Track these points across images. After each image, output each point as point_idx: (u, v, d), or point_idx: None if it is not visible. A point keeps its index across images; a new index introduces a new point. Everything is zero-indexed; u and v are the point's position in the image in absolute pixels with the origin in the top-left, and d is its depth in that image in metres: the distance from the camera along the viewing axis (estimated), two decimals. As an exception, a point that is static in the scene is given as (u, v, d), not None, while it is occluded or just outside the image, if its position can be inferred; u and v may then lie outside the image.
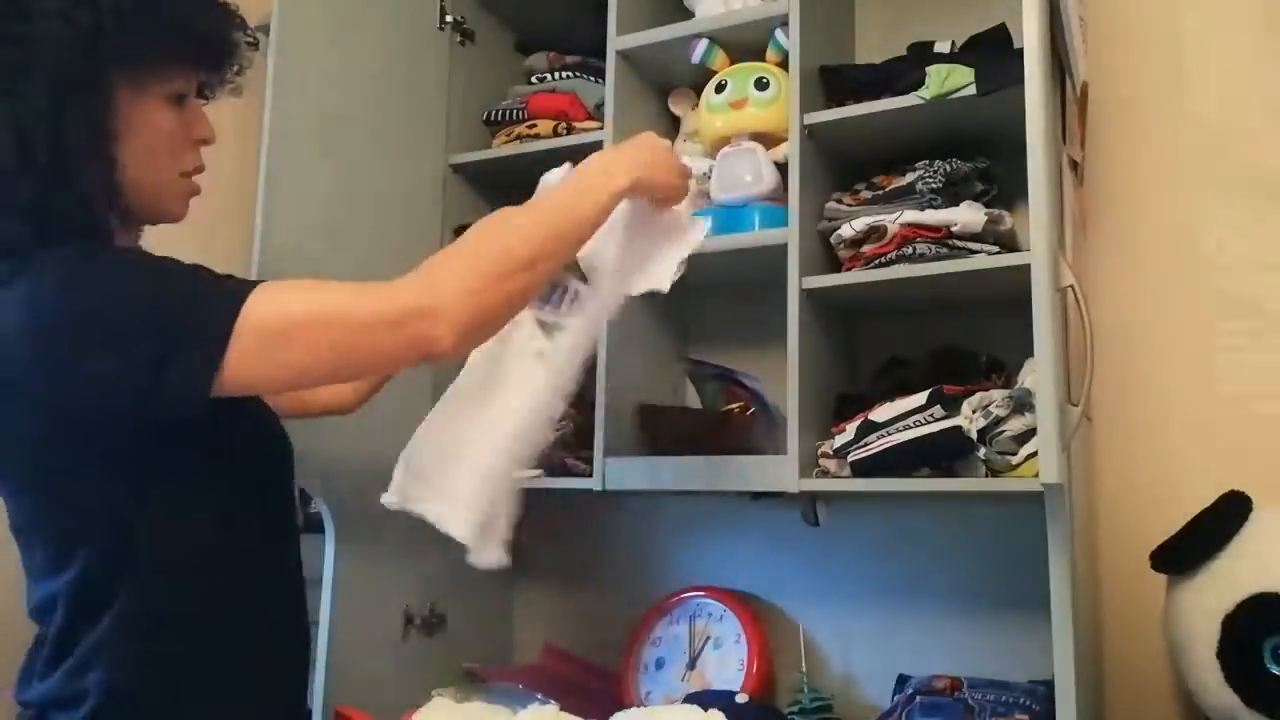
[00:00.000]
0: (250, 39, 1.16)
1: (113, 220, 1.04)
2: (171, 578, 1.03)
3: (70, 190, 0.97)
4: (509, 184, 1.94)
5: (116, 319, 0.93)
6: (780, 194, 1.60)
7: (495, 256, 1.01)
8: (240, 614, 1.09)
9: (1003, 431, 1.38)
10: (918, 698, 1.46)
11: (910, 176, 1.52)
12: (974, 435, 1.36)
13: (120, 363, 0.92)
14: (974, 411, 1.38)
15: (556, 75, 1.87)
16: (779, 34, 1.62)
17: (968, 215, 1.46)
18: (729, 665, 1.69)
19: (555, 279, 1.18)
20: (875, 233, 1.50)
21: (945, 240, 1.46)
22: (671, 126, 1.84)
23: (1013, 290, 1.29)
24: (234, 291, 0.95)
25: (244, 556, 1.10)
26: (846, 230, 1.52)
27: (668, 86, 1.82)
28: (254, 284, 0.97)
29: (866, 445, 1.43)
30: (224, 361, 0.93)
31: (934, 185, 1.50)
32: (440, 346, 0.97)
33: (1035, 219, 1.23)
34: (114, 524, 1.00)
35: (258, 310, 0.94)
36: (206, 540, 1.06)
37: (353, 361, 1.00)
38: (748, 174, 1.62)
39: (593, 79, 1.83)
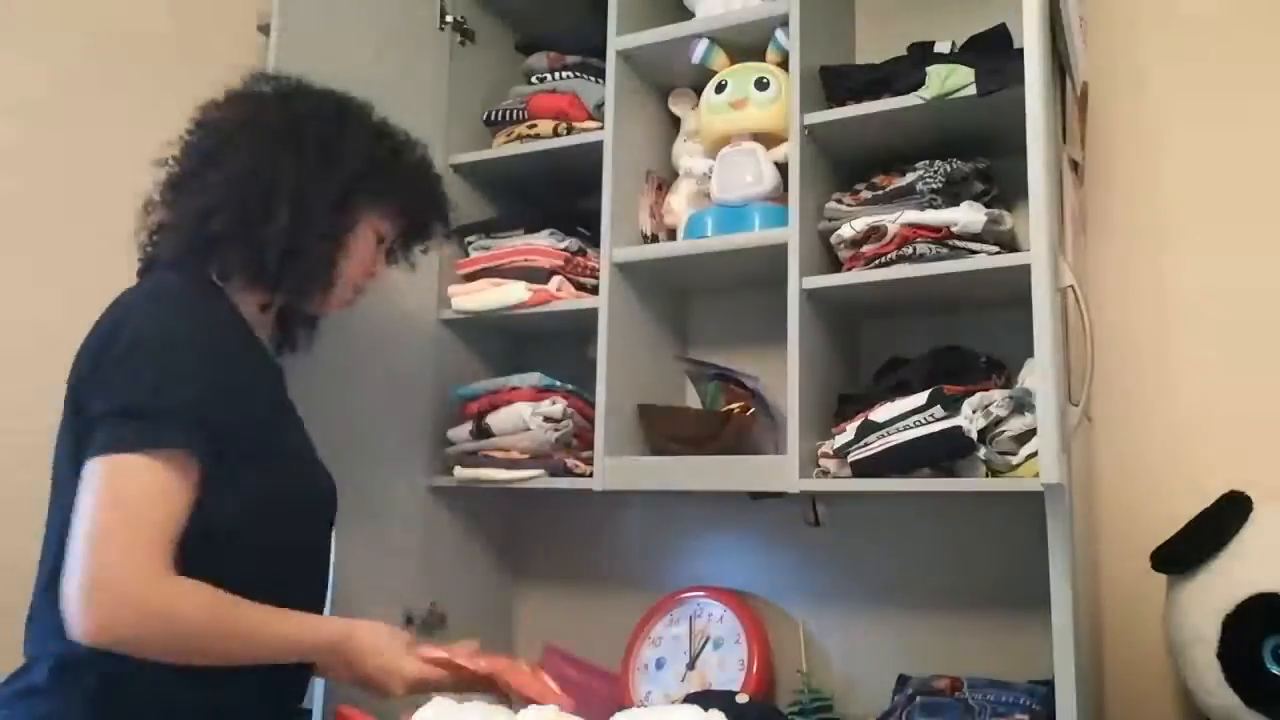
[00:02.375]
0: (445, 234, 1.54)
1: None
2: (196, 564, 1.08)
3: (296, 260, 1.22)
4: (509, 184, 1.95)
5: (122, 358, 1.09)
6: (780, 194, 1.60)
7: (199, 627, 1.07)
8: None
9: (1003, 431, 1.38)
10: (918, 698, 1.46)
11: (910, 176, 1.52)
12: (974, 435, 1.36)
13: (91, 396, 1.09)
14: (974, 411, 1.38)
15: (557, 75, 1.87)
16: (779, 34, 1.62)
17: (968, 215, 1.46)
18: (729, 665, 1.69)
19: None
20: (875, 233, 1.50)
21: (945, 240, 1.46)
22: (671, 126, 1.84)
23: (1013, 290, 1.29)
24: (155, 433, 1.06)
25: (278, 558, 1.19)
26: (847, 230, 1.52)
27: (668, 86, 1.82)
28: (152, 436, 1.06)
29: (867, 445, 1.43)
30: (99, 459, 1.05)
31: (934, 185, 1.50)
32: (70, 618, 1.01)
33: (1035, 219, 1.23)
34: None
35: (120, 468, 1.05)
36: (238, 530, 1.13)
37: (73, 558, 1.02)
38: (748, 174, 1.62)
39: (593, 79, 1.83)
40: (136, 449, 1.04)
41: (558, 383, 1.73)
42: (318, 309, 1.35)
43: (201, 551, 1.07)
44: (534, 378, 1.75)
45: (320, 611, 1.30)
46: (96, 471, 1.04)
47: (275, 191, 1.20)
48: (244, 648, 1.10)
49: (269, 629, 1.11)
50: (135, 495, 1.04)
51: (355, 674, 1.20)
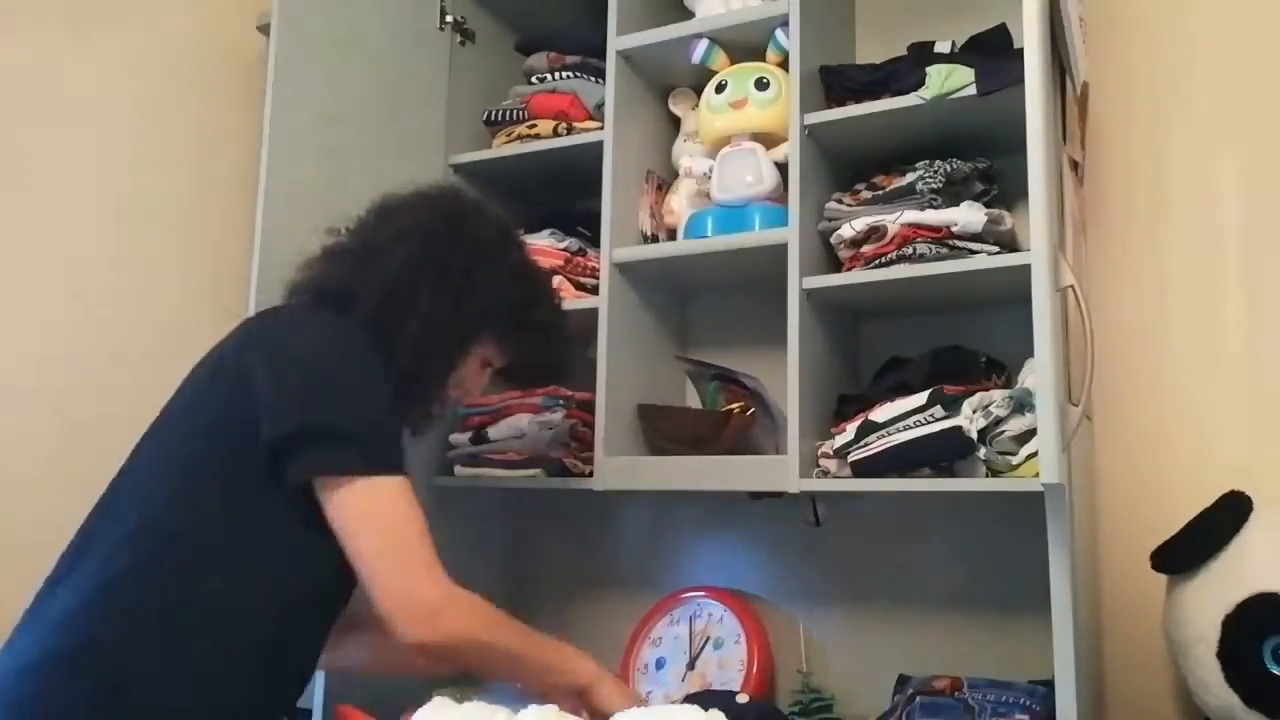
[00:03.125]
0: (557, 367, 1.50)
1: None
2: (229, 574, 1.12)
3: (408, 373, 1.24)
4: (509, 184, 1.95)
5: (335, 379, 1.17)
6: (780, 194, 1.60)
7: (503, 633, 1.22)
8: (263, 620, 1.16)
9: (1003, 431, 1.38)
10: (918, 698, 1.46)
11: (910, 176, 1.52)
12: (974, 435, 1.36)
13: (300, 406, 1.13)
14: (974, 411, 1.38)
15: (557, 75, 1.87)
16: (779, 34, 1.62)
17: (968, 215, 1.46)
18: (729, 665, 1.69)
19: None
20: (875, 233, 1.50)
21: (945, 240, 1.46)
22: (671, 126, 1.84)
23: (1013, 290, 1.29)
24: (399, 462, 1.17)
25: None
26: (847, 230, 1.52)
27: (668, 86, 1.82)
28: (406, 473, 1.17)
29: (867, 445, 1.43)
30: (339, 479, 1.12)
31: (934, 185, 1.50)
32: (402, 634, 1.13)
33: (1035, 219, 1.23)
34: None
35: (391, 491, 1.14)
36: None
37: (374, 583, 1.14)
38: (748, 174, 1.62)
39: (593, 79, 1.83)
40: (395, 472, 1.14)
41: (559, 401, 1.73)
42: (413, 413, 1.34)
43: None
44: (537, 398, 1.75)
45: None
46: (368, 489, 1.12)
47: (418, 299, 1.24)
48: (513, 666, 1.24)
49: (533, 653, 1.25)
50: (416, 514, 1.15)
51: (576, 707, 1.24)
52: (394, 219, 1.30)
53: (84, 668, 1.06)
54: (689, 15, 1.76)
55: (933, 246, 1.46)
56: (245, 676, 1.13)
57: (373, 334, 1.22)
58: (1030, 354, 1.24)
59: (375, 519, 1.13)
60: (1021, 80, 1.27)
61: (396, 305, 1.24)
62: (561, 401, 1.73)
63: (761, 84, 1.63)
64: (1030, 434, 1.36)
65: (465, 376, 1.34)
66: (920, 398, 1.42)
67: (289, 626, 1.17)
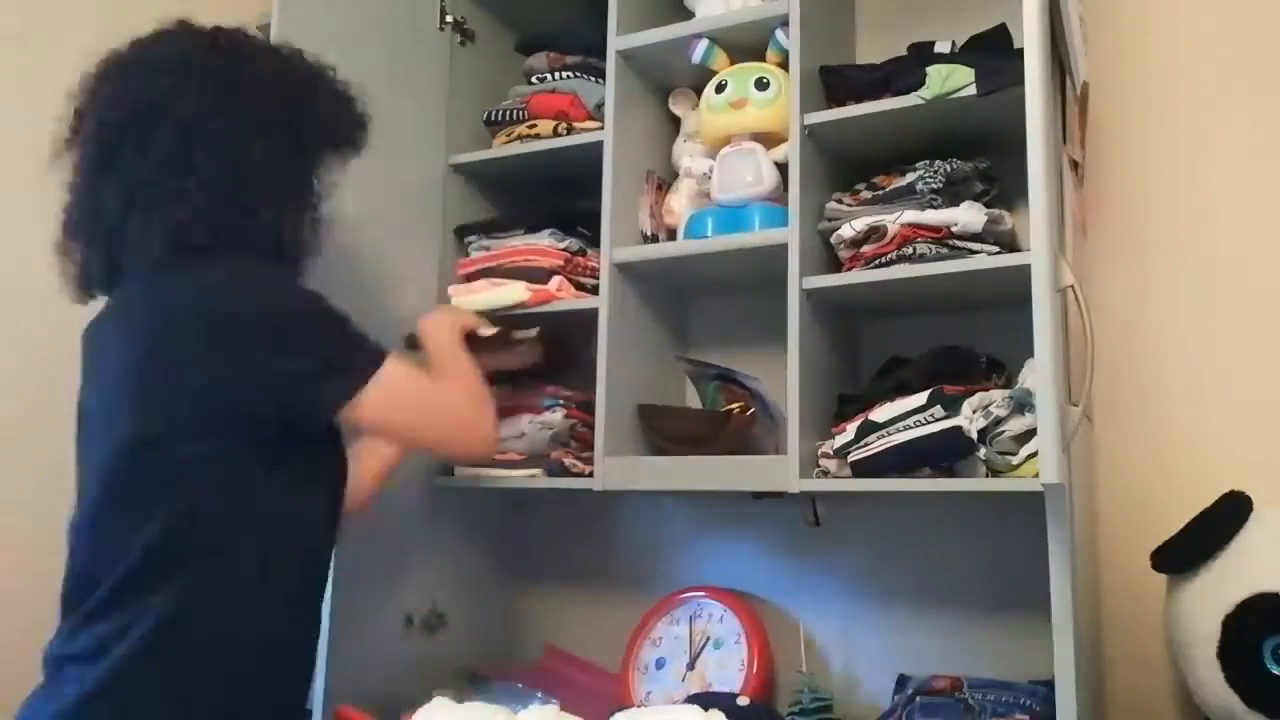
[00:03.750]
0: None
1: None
2: (234, 564, 1.14)
3: (298, 233, 1.26)
4: (509, 184, 1.95)
5: (285, 325, 1.17)
6: (780, 194, 1.60)
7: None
8: (284, 608, 1.20)
9: (1003, 431, 1.38)
10: (918, 698, 1.46)
11: (910, 176, 1.52)
12: (974, 435, 1.36)
13: (280, 362, 1.15)
14: (974, 412, 1.38)
15: (557, 75, 1.87)
16: (779, 34, 1.62)
17: (968, 215, 1.46)
18: (729, 665, 1.69)
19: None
20: (875, 233, 1.50)
21: (945, 240, 1.46)
22: (671, 126, 1.84)
23: (1013, 290, 1.29)
24: (378, 350, 1.23)
25: (307, 557, 1.26)
26: (847, 230, 1.52)
27: (668, 86, 1.82)
28: (387, 352, 1.23)
29: (867, 445, 1.43)
30: (355, 399, 1.18)
31: (934, 185, 1.50)
32: (474, 457, 1.50)
33: (1035, 219, 1.23)
34: (198, 503, 1.13)
35: (392, 374, 1.22)
36: (281, 535, 1.20)
37: (430, 438, 1.35)
38: (748, 174, 1.62)
39: (593, 79, 1.83)
40: (382, 360, 1.21)
41: (560, 401, 1.73)
42: (313, 253, 1.34)
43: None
44: (537, 398, 1.75)
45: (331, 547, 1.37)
46: (383, 380, 1.20)
47: (255, 186, 1.22)
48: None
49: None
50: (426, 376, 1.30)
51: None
52: (159, 114, 1.19)
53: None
54: (689, 15, 1.76)
55: (933, 246, 1.46)
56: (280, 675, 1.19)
57: (238, 236, 1.20)
58: (1030, 354, 1.24)
59: (405, 406, 1.24)
60: (1021, 80, 1.26)
61: (240, 197, 1.20)
62: (561, 401, 1.73)
63: (761, 84, 1.63)
64: (1030, 434, 1.35)
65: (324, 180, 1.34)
66: (920, 398, 1.42)
67: (305, 608, 1.23)
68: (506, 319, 1.68)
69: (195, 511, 1.11)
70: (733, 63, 1.69)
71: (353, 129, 1.38)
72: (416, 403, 1.27)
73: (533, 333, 1.65)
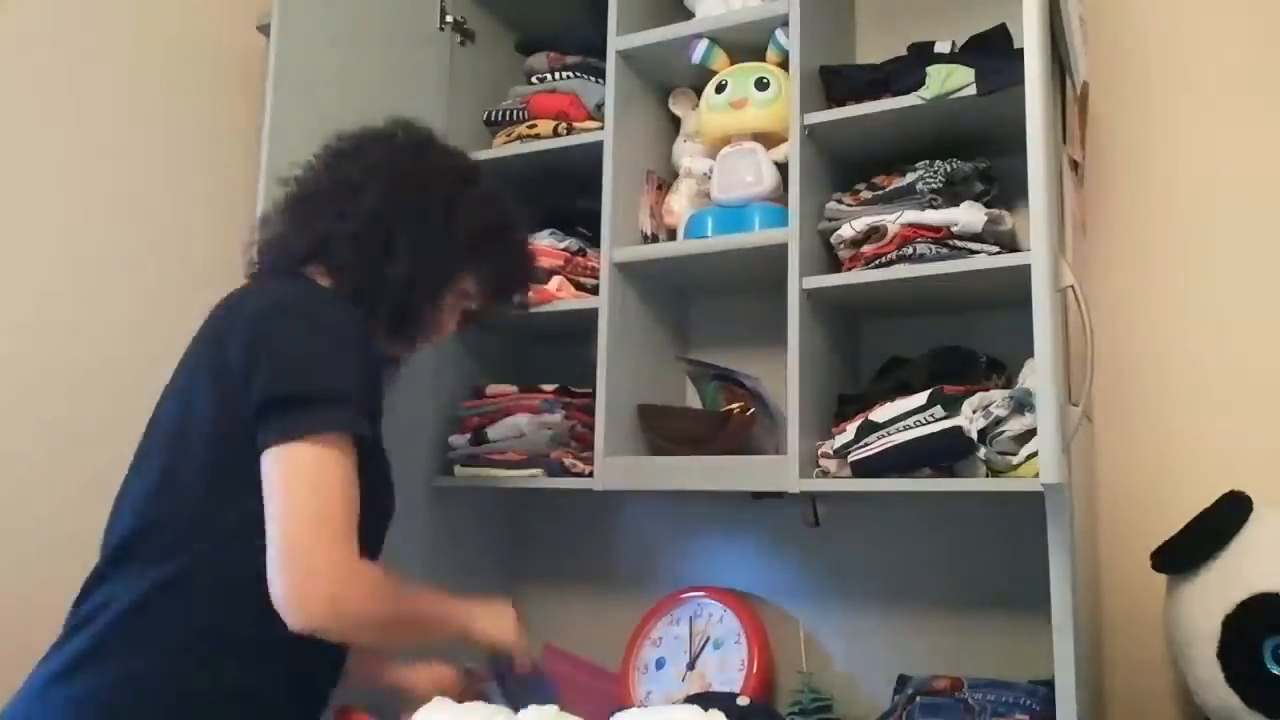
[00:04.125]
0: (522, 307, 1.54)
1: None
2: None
3: (403, 309, 1.26)
4: (509, 184, 1.94)
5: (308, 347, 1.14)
6: (780, 194, 1.60)
7: (395, 600, 1.17)
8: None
9: (1003, 431, 1.38)
10: (918, 698, 1.46)
11: (910, 176, 1.52)
12: (974, 435, 1.36)
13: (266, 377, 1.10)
14: (974, 412, 1.38)
15: (557, 75, 1.87)
16: (779, 34, 1.62)
17: (968, 215, 1.46)
18: (729, 665, 1.69)
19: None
20: (875, 233, 1.50)
21: (945, 240, 1.46)
22: (671, 126, 1.84)
23: (1013, 290, 1.29)
24: (346, 415, 1.12)
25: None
26: (847, 230, 1.52)
27: (668, 86, 1.82)
28: (352, 432, 1.12)
29: (867, 445, 1.43)
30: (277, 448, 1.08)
31: (934, 185, 1.50)
32: (303, 616, 1.06)
33: (1035, 219, 1.23)
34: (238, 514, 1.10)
35: (311, 456, 1.09)
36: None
37: (275, 533, 1.08)
38: (748, 174, 1.62)
39: (593, 79, 1.83)
40: (333, 430, 1.09)
41: (560, 408, 1.74)
42: (399, 351, 1.36)
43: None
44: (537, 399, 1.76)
45: None
46: (287, 453, 1.07)
47: (398, 237, 1.24)
48: (417, 632, 1.24)
49: (434, 612, 1.26)
50: (338, 479, 1.10)
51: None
52: (355, 158, 1.28)
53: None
54: (689, 15, 1.76)
55: (933, 246, 1.46)
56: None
57: (348, 282, 1.22)
58: (1030, 354, 1.24)
59: (290, 482, 1.06)
60: (1021, 80, 1.26)
61: (374, 248, 1.22)
62: (561, 402, 1.73)
63: (761, 84, 1.63)
64: (1030, 434, 1.35)
65: (451, 309, 1.34)
66: (920, 398, 1.42)
67: None
68: None
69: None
70: (733, 63, 1.69)
71: (518, 287, 1.44)
72: (297, 497, 1.07)
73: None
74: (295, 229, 1.27)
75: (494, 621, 1.32)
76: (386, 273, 1.23)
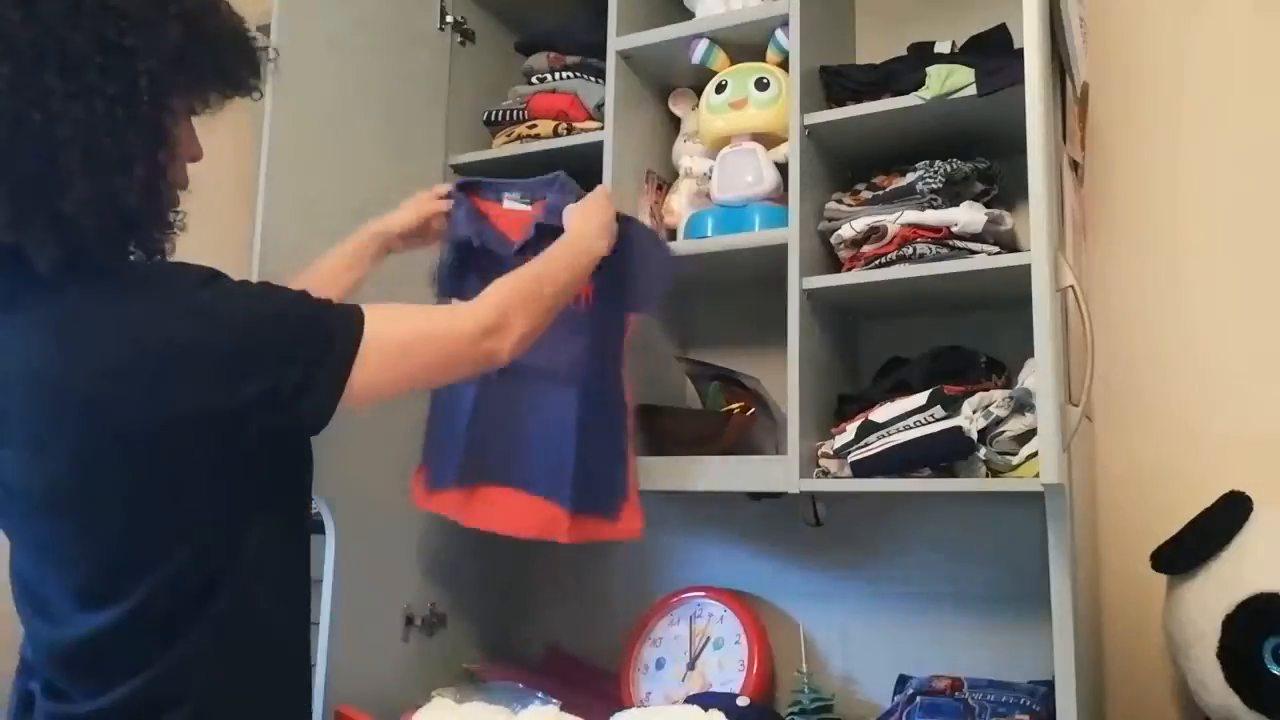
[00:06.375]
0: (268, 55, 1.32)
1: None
2: (249, 588, 1.06)
3: (131, 198, 1.00)
4: (509, 184, 1.95)
5: (246, 346, 1.01)
6: (780, 194, 1.60)
7: (533, 295, 1.27)
8: (294, 621, 1.16)
9: (1003, 432, 1.38)
10: (918, 698, 1.46)
11: (910, 177, 1.52)
12: (974, 435, 1.36)
13: (260, 385, 1.01)
14: (974, 412, 1.38)
15: (557, 75, 1.87)
16: (779, 34, 1.62)
17: (968, 215, 1.46)
18: (729, 665, 1.69)
19: None
20: (875, 233, 1.50)
21: (945, 240, 1.46)
22: (671, 126, 1.84)
23: (1013, 290, 1.29)
24: (348, 315, 1.08)
25: (296, 566, 1.17)
26: (847, 230, 1.52)
27: (668, 86, 1.82)
28: (359, 308, 1.10)
29: (867, 445, 1.43)
30: (350, 379, 1.06)
31: (934, 185, 1.50)
32: (501, 358, 1.21)
33: (1035, 219, 1.23)
34: (196, 541, 1.03)
35: (375, 331, 1.08)
36: (275, 552, 1.11)
37: (447, 370, 1.22)
38: (748, 174, 1.62)
39: (593, 79, 1.83)
40: (358, 313, 1.09)
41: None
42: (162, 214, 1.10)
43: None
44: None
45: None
46: (385, 329, 1.09)
47: (59, 143, 0.95)
48: (567, 294, 1.37)
49: (562, 276, 1.35)
50: (404, 308, 1.18)
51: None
52: None
53: None
54: (689, 15, 1.76)
55: (933, 247, 1.46)
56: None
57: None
58: (1030, 354, 1.24)
59: (398, 354, 1.11)
60: (1021, 80, 1.27)
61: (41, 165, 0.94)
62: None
63: (761, 84, 1.63)
64: (1030, 434, 1.35)
65: (180, 144, 1.09)
66: (920, 398, 1.42)
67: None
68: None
69: None
70: (733, 63, 1.69)
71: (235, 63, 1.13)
72: (418, 342, 1.16)
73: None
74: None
75: (599, 233, 1.46)
76: (64, 203, 0.95)
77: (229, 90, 1.14)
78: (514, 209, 1.66)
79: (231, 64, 1.12)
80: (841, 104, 1.59)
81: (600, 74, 1.78)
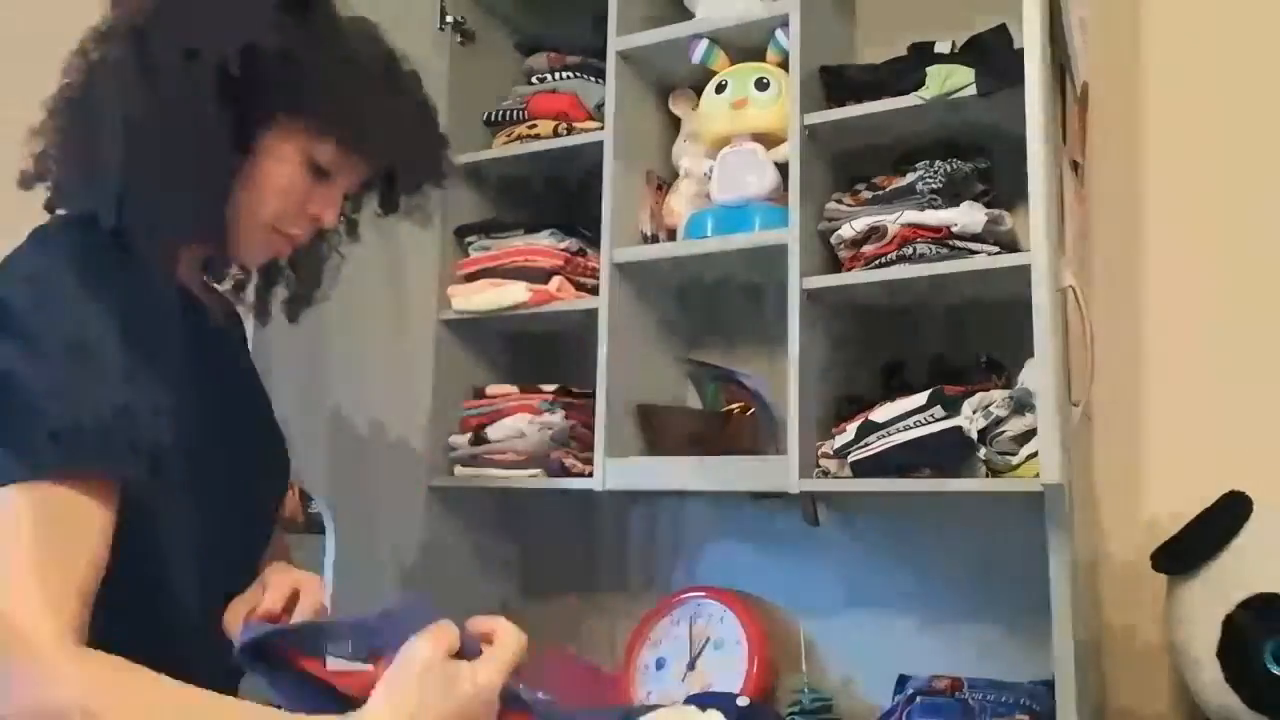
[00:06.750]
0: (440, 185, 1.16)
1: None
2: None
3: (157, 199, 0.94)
4: (509, 184, 1.95)
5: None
6: (781, 194, 1.60)
7: None
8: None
9: (1003, 432, 1.38)
10: (918, 698, 1.46)
11: (910, 177, 1.52)
12: (974, 435, 1.36)
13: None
14: (974, 412, 1.38)
15: (557, 75, 1.87)
16: (779, 34, 1.62)
17: (968, 216, 1.46)
18: (729, 666, 1.69)
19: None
20: (875, 233, 1.50)
21: (945, 241, 1.46)
22: (671, 126, 1.84)
23: (1013, 290, 1.29)
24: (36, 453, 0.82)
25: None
26: (847, 230, 1.52)
27: (668, 86, 1.82)
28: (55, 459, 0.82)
29: (867, 445, 1.43)
30: None
31: (934, 186, 1.50)
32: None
33: (1035, 219, 1.24)
34: None
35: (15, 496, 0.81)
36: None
37: None
38: (748, 174, 1.62)
39: (593, 79, 1.83)
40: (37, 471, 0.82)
41: (560, 408, 1.74)
42: (231, 254, 1.06)
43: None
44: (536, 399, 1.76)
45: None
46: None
47: (97, 110, 0.93)
48: None
49: None
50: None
51: None
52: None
53: None
54: (689, 15, 1.76)
55: (933, 246, 1.46)
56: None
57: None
58: (1030, 354, 1.24)
59: None
60: (1021, 80, 1.27)
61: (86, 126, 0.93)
62: (558, 407, 1.73)
63: (761, 84, 1.63)
64: (1030, 434, 1.35)
65: (274, 183, 1.00)
66: (920, 398, 1.42)
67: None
68: None
69: None
70: (733, 63, 1.69)
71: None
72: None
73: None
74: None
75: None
76: (95, 165, 0.93)
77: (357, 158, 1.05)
78: (345, 669, 0.92)
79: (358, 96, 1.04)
80: (841, 104, 1.59)
81: (600, 74, 1.78)
